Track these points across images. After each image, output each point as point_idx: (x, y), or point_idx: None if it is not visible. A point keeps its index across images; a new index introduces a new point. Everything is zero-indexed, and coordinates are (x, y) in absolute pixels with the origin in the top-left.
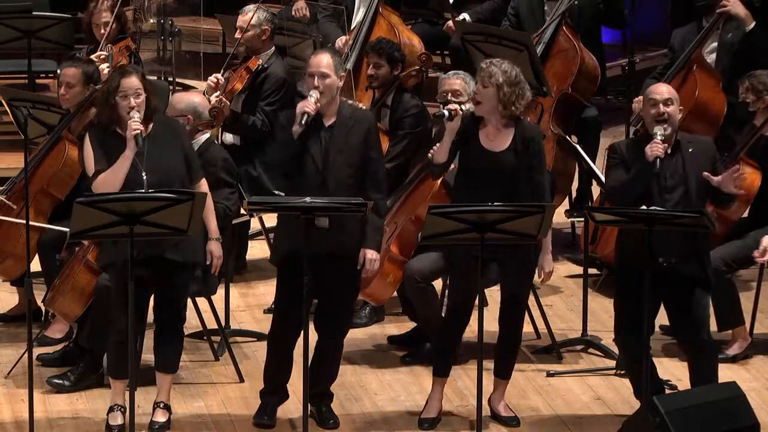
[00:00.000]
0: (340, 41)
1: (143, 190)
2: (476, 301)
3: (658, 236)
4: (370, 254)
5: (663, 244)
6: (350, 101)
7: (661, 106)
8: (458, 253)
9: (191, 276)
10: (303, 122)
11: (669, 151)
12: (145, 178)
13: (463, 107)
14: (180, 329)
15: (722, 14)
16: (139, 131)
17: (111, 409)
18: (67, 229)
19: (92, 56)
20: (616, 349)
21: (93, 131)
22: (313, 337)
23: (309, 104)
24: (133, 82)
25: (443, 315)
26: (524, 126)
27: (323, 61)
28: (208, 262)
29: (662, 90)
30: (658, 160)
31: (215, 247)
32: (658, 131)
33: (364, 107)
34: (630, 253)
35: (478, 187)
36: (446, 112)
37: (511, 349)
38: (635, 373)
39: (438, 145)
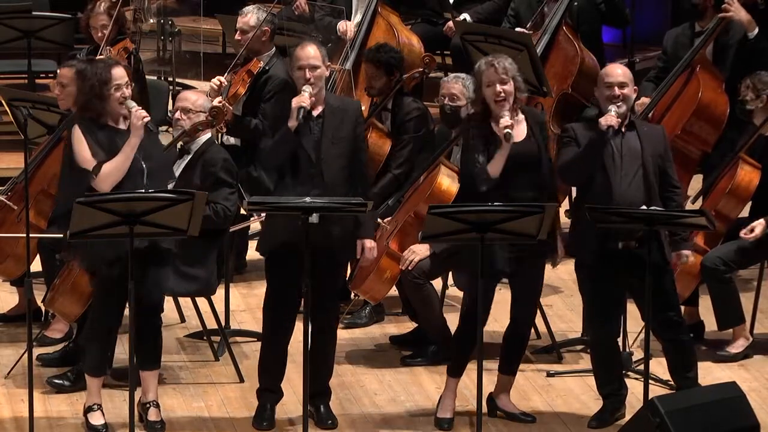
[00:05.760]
0: (343, 24)
1: (144, 179)
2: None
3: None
4: (369, 243)
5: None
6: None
7: (616, 89)
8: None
9: (166, 266)
10: (300, 117)
11: (623, 130)
12: (144, 165)
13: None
14: (157, 324)
15: (724, 18)
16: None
17: (90, 409)
18: (60, 235)
19: None
20: None
21: (83, 124)
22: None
23: (304, 99)
24: (122, 72)
25: (460, 316)
26: (529, 111)
27: (311, 52)
28: None
29: (617, 72)
30: (610, 129)
31: None
32: (613, 108)
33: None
34: (589, 242)
35: (507, 179)
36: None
37: (520, 345)
38: (605, 366)
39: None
